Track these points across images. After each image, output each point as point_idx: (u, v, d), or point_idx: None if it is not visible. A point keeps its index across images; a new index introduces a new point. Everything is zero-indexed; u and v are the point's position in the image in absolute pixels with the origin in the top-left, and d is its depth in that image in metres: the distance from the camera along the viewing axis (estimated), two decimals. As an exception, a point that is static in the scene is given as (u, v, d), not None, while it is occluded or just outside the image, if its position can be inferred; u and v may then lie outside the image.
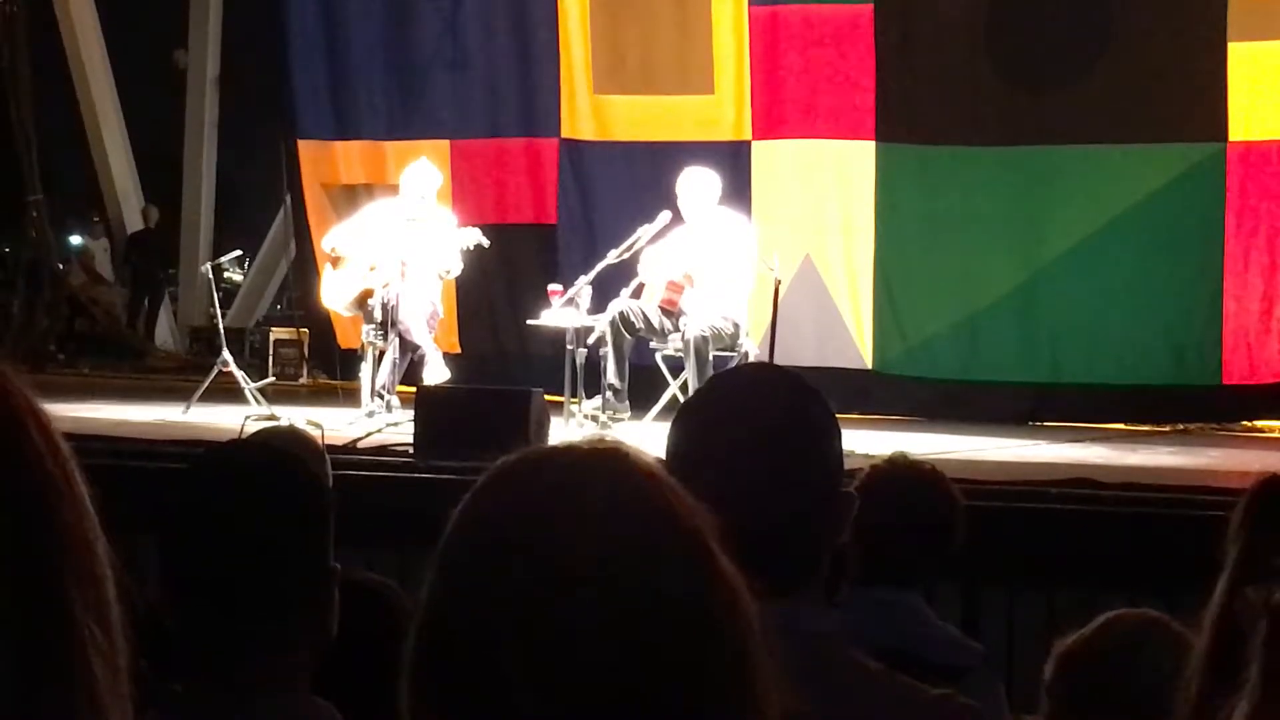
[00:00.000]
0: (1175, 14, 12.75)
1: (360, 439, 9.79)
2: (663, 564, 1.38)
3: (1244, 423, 12.71)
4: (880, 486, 3.98)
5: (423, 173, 11.72)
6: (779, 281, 11.10)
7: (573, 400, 10.92)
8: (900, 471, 4.23)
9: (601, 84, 14.34)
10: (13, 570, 1.32)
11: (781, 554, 2.23)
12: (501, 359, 14.07)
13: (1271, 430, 12.58)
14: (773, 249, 11.28)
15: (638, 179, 13.60)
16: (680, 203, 11.14)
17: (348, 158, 15.33)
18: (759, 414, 2.33)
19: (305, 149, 15.53)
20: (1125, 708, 3.09)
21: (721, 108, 13.93)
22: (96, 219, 20.15)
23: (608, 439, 1.47)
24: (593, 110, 14.40)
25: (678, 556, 1.39)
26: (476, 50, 14.76)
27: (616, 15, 14.29)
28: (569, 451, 1.45)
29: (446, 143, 14.64)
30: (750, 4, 13.76)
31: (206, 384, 11.69)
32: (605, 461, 1.43)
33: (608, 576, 1.36)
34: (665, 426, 2.39)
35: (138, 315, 19.85)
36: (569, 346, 10.94)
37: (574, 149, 14.50)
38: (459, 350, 14.02)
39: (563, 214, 14.54)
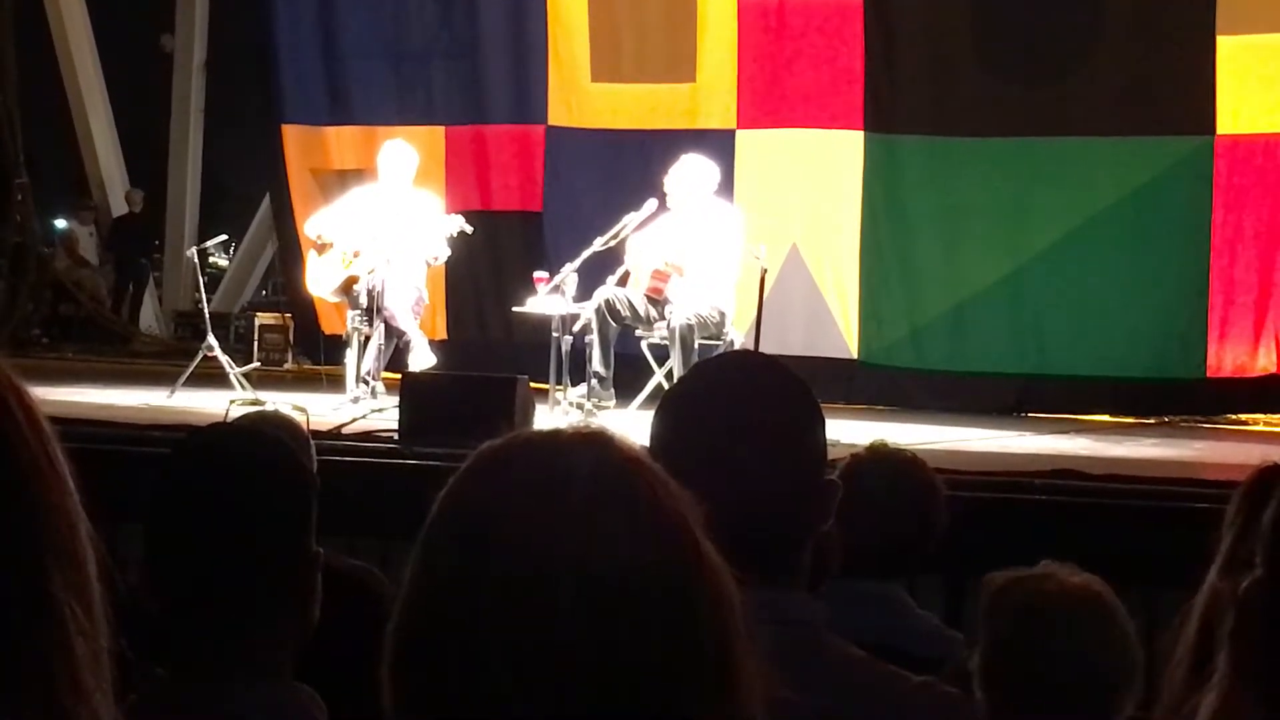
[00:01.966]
0: (1164, 7, 12.77)
1: (345, 425, 9.77)
2: (647, 549, 1.38)
3: (1228, 416, 12.72)
4: (860, 475, 3.95)
5: (398, 153, 11.70)
6: (765, 271, 11.10)
7: (558, 388, 10.91)
8: (880, 460, 4.20)
9: (599, 72, 14.34)
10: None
11: (765, 541, 2.23)
12: (487, 346, 14.06)
13: (1255, 423, 12.59)
14: (759, 238, 11.28)
15: (622, 166, 13.60)
16: (672, 190, 11.11)
17: (340, 143, 15.32)
18: (742, 401, 2.33)
19: (291, 134, 15.53)
20: (1057, 686, 3.08)
21: (704, 96, 13.93)
22: (92, 205, 20.07)
23: (593, 425, 1.47)
24: (582, 98, 14.40)
25: (662, 542, 1.39)
26: (468, 36, 14.76)
27: (612, 4, 14.29)
28: (553, 437, 1.45)
29: (442, 129, 14.65)
30: (741, -7, 13.78)
31: (191, 369, 11.67)
32: (590, 447, 1.43)
33: (591, 561, 1.35)
34: (650, 415, 2.39)
35: (122, 300, 19.82)
36: (554, 334, 10.92)
37: (559, 136, 14.50)
38: (445, 336, 14.03)
39: (548, 201, 14.54)
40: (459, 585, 1.37)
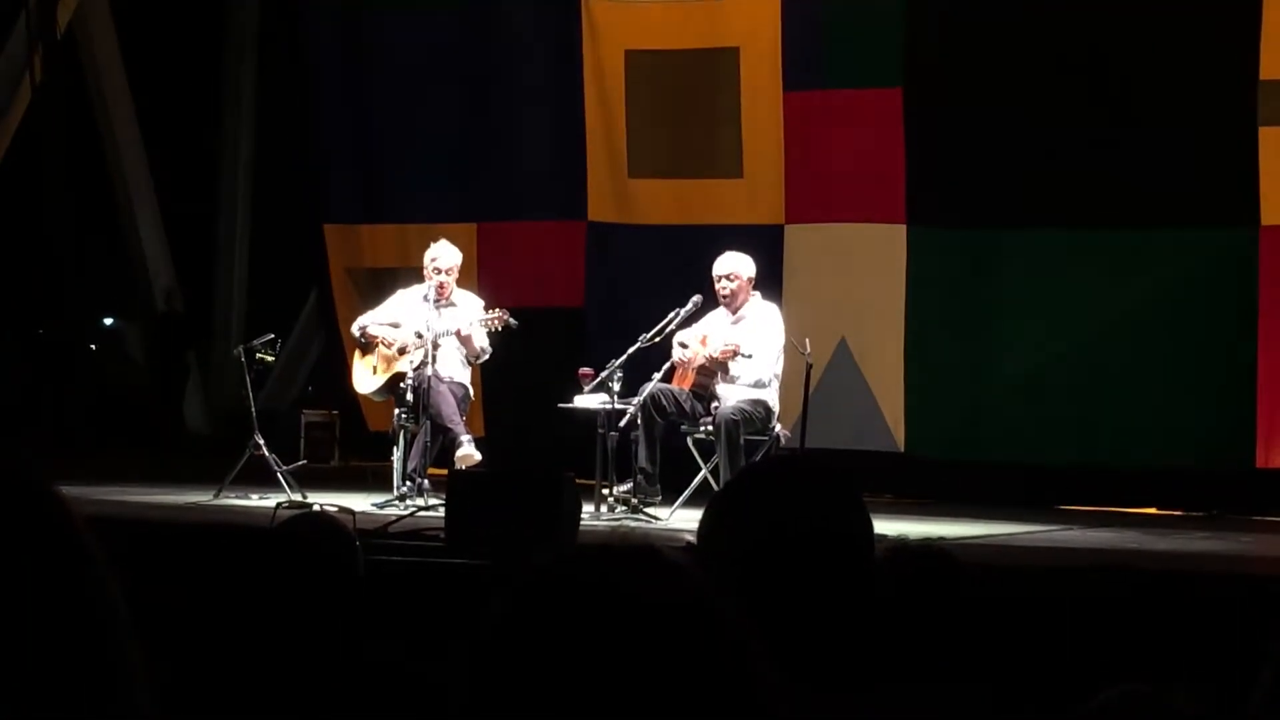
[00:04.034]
0: (1205, 99, 12.75)
1: (392, 523, 9.78)
2: (698, 669, 1.37)
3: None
4: (881, 576, 3.89)
5: (442, 253, 11.75)
6: (810, 365, 11.10)
7: (604, 484, 10.90)
8: (900, 559, 4.14)
9: (637, 168, 14.38)
10: (35, 668, 1.32)
11: (814, 645, 2.22)
12: (528, 442, 14.03)
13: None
14: (805, 333, 11.28)
15: (666, 262, 13.63)
16: (718, 285, 11.14)
17: (374, 241, 15.42)
18: (789, 507, 2.33)
19: (332, 233, 15.66)
20: None
21: (752, 191, 13.95)
22: (140, 302, 20.13)
23: (636, 529, 1.47)
24: (622, 193, 14.44)
25: (712, 661, 1.38)
26: (504, 133, 14.84)
27: (652, 101, 14.36)
28: (603, 555, 1.44)
29: (474, 226, 14.68)
30: (785, 90, 13.81)
31: (239, 467, 11.69)
32: (639, 565, 1.42)
33: (644, 679, 1.35)
34: (695, 510, 2.41)
35: (165, 397, 19.78)
36: (600, 430, 10.93)
37: (601, 232, 14.54)
38: (484, 433, 14.00)
39: (590, 297, 14.57)
40: (510, 708, 1.36)
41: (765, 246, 12.92)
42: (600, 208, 14.56)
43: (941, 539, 9.41)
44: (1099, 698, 3.15)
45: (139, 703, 1.39)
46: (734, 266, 11.23)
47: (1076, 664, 7.13)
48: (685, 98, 14.26)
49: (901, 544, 4.25)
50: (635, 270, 14.26)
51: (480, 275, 14.12)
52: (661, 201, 14.30)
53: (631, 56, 14.41)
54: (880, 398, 13.49)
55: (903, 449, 13.42)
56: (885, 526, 8.36)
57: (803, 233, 13.78)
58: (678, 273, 12.58)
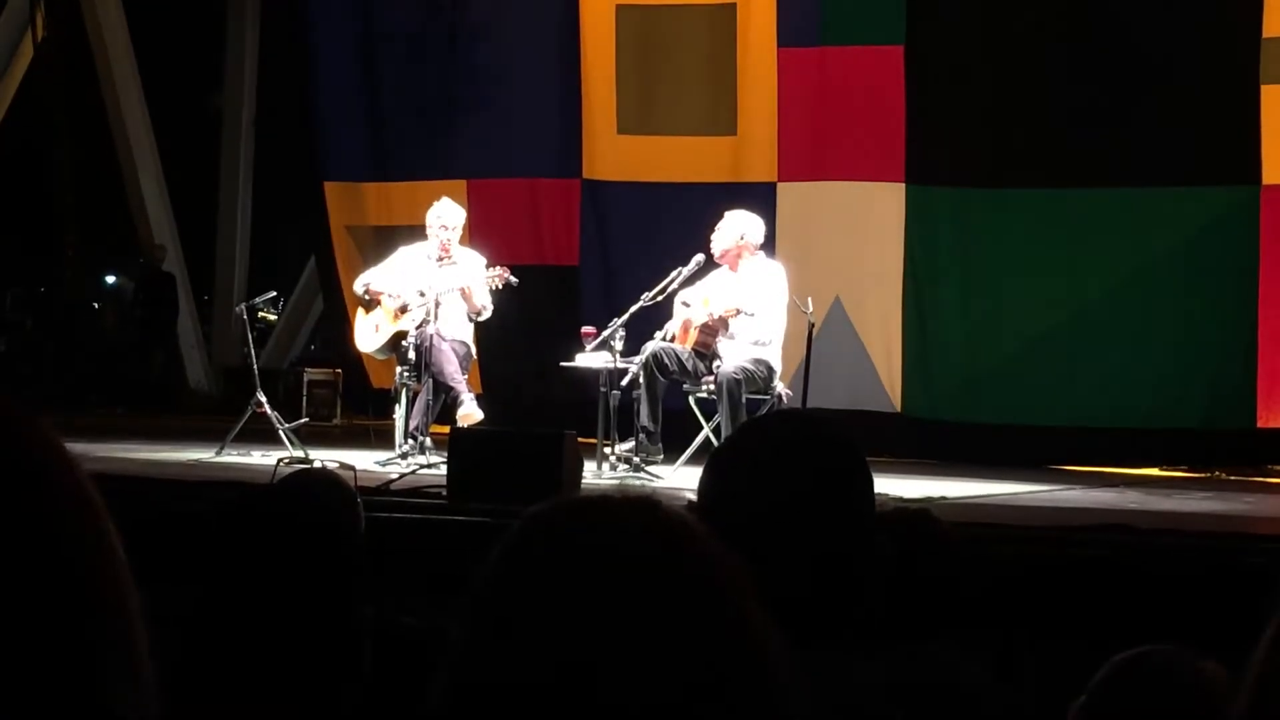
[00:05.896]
0: (1208, 57, 12.73)
1: (394, 480, 9.78)
2: (695, 619, 1.37)
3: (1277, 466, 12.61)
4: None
5: (446, 211, 11.73)
6: (812, 324, 11.09)
7: (606, 442, 10.91)
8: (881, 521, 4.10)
9: (626, 124, 14.34)
10: (42, 624, 1.32)
11: (815, 603, 2.22)
12: (523, 400, 14.01)
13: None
14: (802, 291, 11.26)
15: (660, 220, 13.61)
16: (717, 244, 11.11)
17: (374, 199, 15.40)
18: (790, 461, 2.33)
19: (332, 191, 15.64)
20: None
21: (745, 149, 13.92)
22: (142, 261, 20.12)
23: (639, 487, 1.47)
24: (615, 151, 14.39)
25: (710, 611, 1.38)
26: (499, 91, 14.81)
27: (642, 56, 14.31)
28: (601, 504, 1.44)
29: (463, 182, 14.64)
30: (779, 46, 13.78)
31: (240, 425, 11.70)
32: (638, 515, 1.42)
33: (640, 632, 1.35)
34: (697, 469, 2.40)
35: (151, 356, 19.65)
36: (602, 388, 10.93)
37: (596, 189, 14.50)
38: (480, 391, 13.99)
39: (585, 255, 14.54)
40: (507, 657, 1.36)
41: (759, 204, 12.85)
42: (595, 165, 14.53)
43: (942, 499, 9.42)
44: (1117, 659, 3.15)
45: (140, 658, 1.39)
46: (726, 219, 11.20)
47: (1076, 624, 7.13)
48: (678, 54, 14.21)
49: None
50: (629, 228, 14.24)
51: (472, 232, 14.10)
52: (654, 159, 14.26)
53: (622, 11, 14.36)
54: (876, 358, 13.48)
55: (899, 409, 13.42)
56: (884, 486, 8.35)
57: (796, 191, 13.76)
58: (672, 230, 12.56)
